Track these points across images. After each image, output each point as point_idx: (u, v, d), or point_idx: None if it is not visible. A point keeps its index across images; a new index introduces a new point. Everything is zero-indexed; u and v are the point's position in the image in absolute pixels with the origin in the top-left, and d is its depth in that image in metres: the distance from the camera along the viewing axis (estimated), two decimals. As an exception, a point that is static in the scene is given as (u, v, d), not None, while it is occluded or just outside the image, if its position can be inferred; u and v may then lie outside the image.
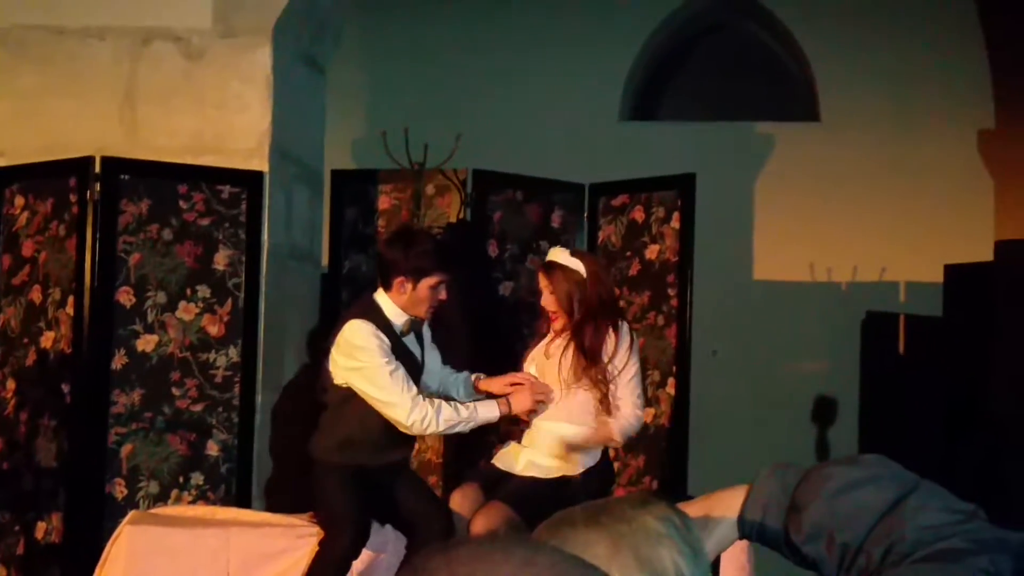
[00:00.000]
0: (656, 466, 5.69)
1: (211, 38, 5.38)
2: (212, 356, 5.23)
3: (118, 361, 5.09)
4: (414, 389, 4.18)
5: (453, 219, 5.64)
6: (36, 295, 5.20)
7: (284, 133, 5.50)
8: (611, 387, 4.26)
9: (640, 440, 5.67)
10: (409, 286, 4.23)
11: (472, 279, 5.60)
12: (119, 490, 5.10)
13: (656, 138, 7.63)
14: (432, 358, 4.50)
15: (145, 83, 5.40)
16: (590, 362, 4.24)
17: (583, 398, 4.29)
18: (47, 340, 5.15)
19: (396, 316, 4.26)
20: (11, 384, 5.25)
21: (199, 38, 5.38)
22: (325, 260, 5.94)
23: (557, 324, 4.31)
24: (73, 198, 5.11)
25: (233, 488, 5.25)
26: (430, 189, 5.69)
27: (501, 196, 5.76)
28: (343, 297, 5.77)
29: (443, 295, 4.28)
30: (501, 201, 5.76)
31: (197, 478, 5.21)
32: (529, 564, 0.80)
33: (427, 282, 4.22)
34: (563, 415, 4.29)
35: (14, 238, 5.28)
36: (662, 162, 6.73)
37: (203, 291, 5.22)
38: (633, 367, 4.32)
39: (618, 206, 5.87)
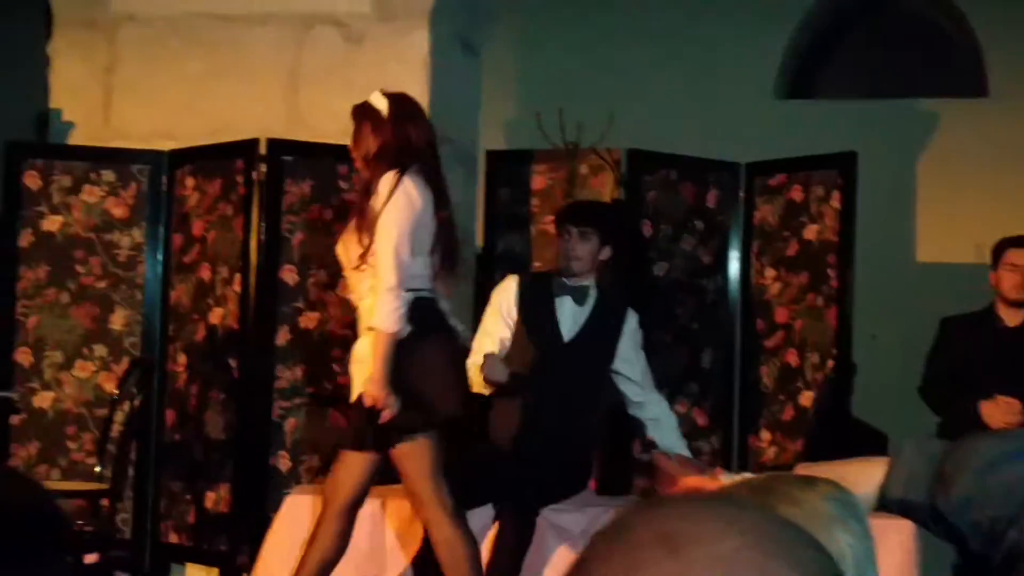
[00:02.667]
0: (815, 451, 5.61)
1: (370, 22, 5.51)
2: (371, 333, 5.34)
3: (282, 337, 5.25)
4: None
5: (607, 199, 5.65)
6: (205, 273, 5.39)
7: (440, 115, 5.57)
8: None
9: (800, 423, 5.60)
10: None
11: (625, 260, 5.60)
12: (283, 463, 5.26)
13: (814, 116, 7.50)
14: (625, 356, 4.51)
15: (307, 67, 5.55)
16: (362, 212, 3.85)
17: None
18: (216, 316, 5.34)
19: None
20: (182, 358, 5.45)
21: (359, 22, 5.51)
22: (479, 240, 6.02)
23: (364, 175, 3.97)
24: (240, 179, 5.28)
25: (392, 462, 5.35)
26: (584, 169, 5.71)
27: (655, 176, 5.74)
28: (496, 277, 5.83)
29: (568, 246, 4.44)
30: (655, 181, 5.74)
31: (357, 452, 5.32)
32: (735, 522, 0.81)
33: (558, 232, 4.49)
34: (364, 288, 3.94)
35: (185, 218, 5.48)
36: (821, 141, 6.60)
37: (363, 269, 5.33)
38: (393, 221, 3.75)
39: (775, 185, 5.80)
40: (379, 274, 3.80)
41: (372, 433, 3.87)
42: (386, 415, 3.81)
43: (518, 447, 4.44)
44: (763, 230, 5.80)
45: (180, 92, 5.64)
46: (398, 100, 4.00)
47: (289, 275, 5.26)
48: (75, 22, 5.78)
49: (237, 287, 5.24)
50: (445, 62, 5.61)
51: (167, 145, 5.55)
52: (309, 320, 5.28)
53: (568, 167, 5.66)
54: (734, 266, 5.82)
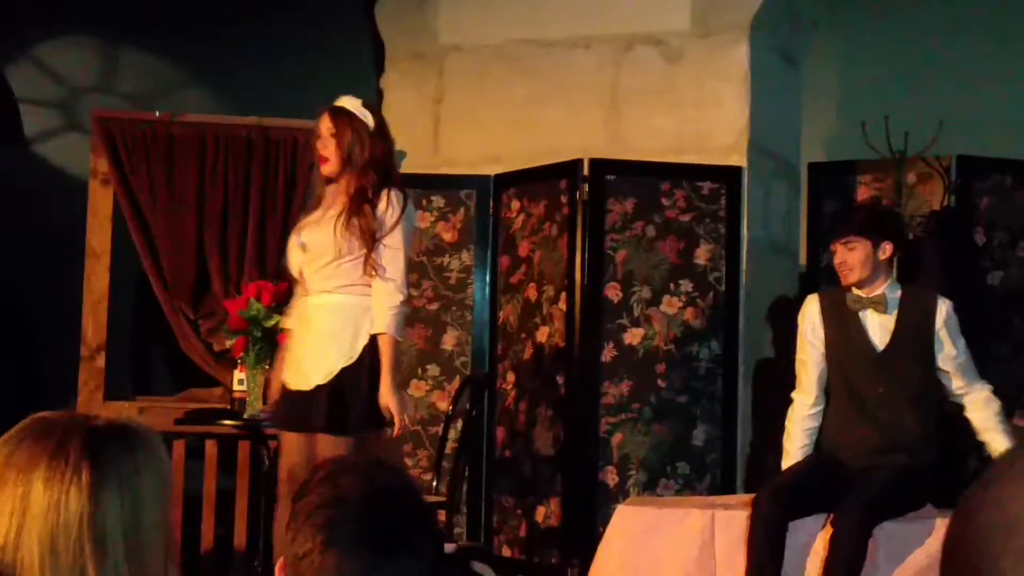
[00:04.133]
0: None
1: (689, 39, 5.54)
2: (695, 348, 5.36)
3: (607, 353, 5.32)
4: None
5: (936, 207, 5.48)
6: (532, 292, 5.54)
7: (761, 128, 5.56)
8: (375, 253, 4.08)
9: None
10: None
11: (957, 268, 5.41)
12: (611, 477, 5.32)
13: None
14: (941, 349, 4.39)
15: (627, 87, 5.63)
16: (362, 213, 4.09)
17: (353, 266, 4.12)
18: (542, 335, 5.47)
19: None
20: (511, 376, 5.61)
21: (678, 40, 5.56)
22: (803, 254, 5.93)
23: (326, 168, 4.16)
24: (564, 199, 5.40)
25: (718, 477, 5.35)
26: (911, 178, 5.56)
27: (988, 182, 5.52)
28: (822, 291, 5.73)
29: (836, 260, 4.38)
30: (988, 187, 5.52)
31: (683, 467, 5.35)
32: None
33: None
34: (340, 282, 4.14)
35: (511, 239, 5.65)
36: None
37: (685, 285, 5.36)
38: (405, 238, 4.14)
39: (1120, 187, 5.48)
40: (390, 286, 4.09)
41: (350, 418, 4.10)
42: (400, 421, 4.06)
43: (845, 460, 4.37)
44: (1109, 234, 5.48)
45: (505, 117, 5.83)
46: (380, 113, 4.31)
47: (613, 292, 5.34)
48: (406, 55, 6.08)
49: (563, 305, 5.36)
50: (766, 75, 5.58)
51: (493, 169, 5.74)
52: (633, 336, 5.33)
53: (894, 176, 5.52)
54: (1077, 273, 5.53)
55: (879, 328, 4.39)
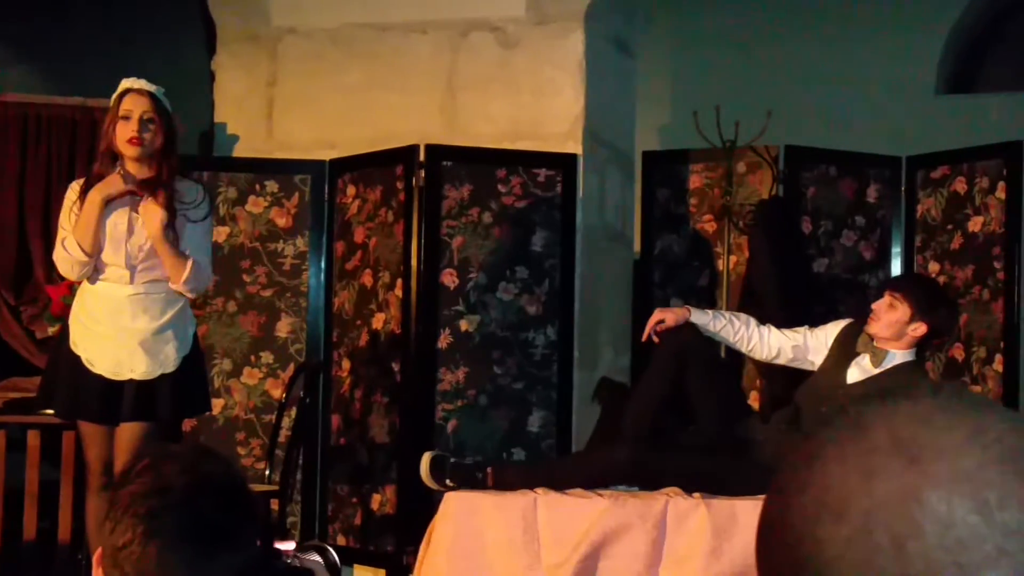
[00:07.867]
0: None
1: (525, 26, 5.56)
2: (530, 335, 5.38)
3: (443, 340, 5.31)
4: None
5: (765, 196, 5.60)
6: (367, 279, 5.49)
7: (596, 116, 5.61)
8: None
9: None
10: None
11: (785, 256, 5.54)
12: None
13: (975, 110, 7.32)
14: None
15: (463, 73, 5.62)
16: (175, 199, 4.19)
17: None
18: (378, 321, 5.43)
19: None
20: (346, 364, 5.56)
21: (514, 26, 5.57)
22: (637, 242, 6.01)
23: (140, 151, 4.16)
24: (400, 185, 5.36)
25: (554, 463, 5.38)
26: (741, 167, 5.67)
27: (814, 172, 5.68)
28: (655, 278, 5.83)
29: (875, 304, 4.38)
30: (814, 177, 5.68)
31: (519, 453, 5.37)
32: (979, 434, 0.75)
33: None
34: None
35: (347, 225, 5.59)
36: (982, 134, 6.45)
37: (521, 272, 5.38)
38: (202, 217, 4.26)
39: (938, 178, 5.68)
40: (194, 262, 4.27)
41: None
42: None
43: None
44: (926, 223, 5.68)
45: (340, 102, 5.76)
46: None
47: (449, 279, 5.33)
48: (238, 38, 5.96)
49: (399, 292, 5.33)
50: (600, 64, 5.63)
51: (328, 154, 5.67)
52: (469, 323, 5.33)
53: (725, 165, 5.63)
54: (896, 261, 5.73)
55: (860, 371, 4.41)
